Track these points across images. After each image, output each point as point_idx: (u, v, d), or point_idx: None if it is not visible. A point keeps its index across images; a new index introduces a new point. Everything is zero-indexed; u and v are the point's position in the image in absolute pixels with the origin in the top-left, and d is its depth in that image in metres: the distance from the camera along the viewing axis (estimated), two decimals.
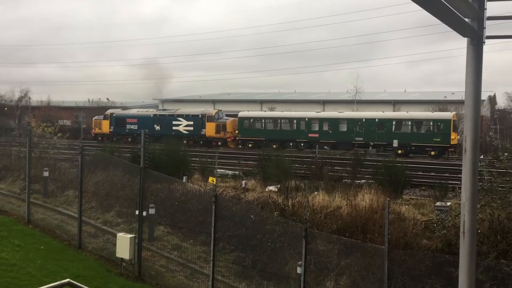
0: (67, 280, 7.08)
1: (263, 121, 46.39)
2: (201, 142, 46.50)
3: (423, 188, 22.08)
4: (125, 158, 21.52)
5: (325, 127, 43.30)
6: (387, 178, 20.26)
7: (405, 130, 40.62)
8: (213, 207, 11.60)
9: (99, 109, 59.87)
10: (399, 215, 14.63)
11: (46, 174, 19.34)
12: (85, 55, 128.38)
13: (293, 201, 15.46)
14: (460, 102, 42.28)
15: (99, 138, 51.49)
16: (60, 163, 21.62)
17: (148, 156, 14.01)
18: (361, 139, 41.32)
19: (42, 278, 11.77)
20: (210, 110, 50.16)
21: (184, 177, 20.13)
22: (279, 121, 45.90)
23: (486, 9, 4.71)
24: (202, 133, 47.24)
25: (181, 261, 13.34)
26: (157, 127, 48.76)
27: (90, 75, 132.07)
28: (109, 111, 53.91)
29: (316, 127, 43.67)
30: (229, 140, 46.43)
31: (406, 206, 16.94)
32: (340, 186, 19.17)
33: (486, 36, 4.79)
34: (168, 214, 14.96)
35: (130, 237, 12.95)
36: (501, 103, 69.70)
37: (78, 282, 7.51)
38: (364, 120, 41.99)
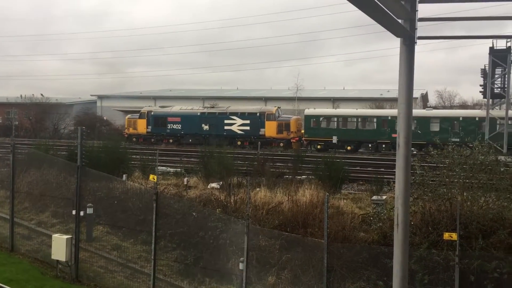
0: None
1: (334, 119, 41.10)
2: (259, 143, 38.95)
3: (361, 182, 22.81)
4: (61, 156, 20.71)
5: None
6: (327, 174, 20.75)
7: None
8: (154, 205, 11.43)
9: (32, 105, 57.03)
10: (338, 209, 15.00)
11: None
12: (19, 48, 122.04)
13: (235, 197, 15.49)
14: (395, 100, 43.45)
15: (134, 139, 45.13)
16: None
17: (85, 154, 13.58)
18: (457, 140, 34.72)
19: None
20: (270, 107, 44.30)
21: (124, 175, 19.67)
22: (354, 119, 40.57)
23: (417, 10, 4.94)
24: (261, 133, 41.76)
25: (121, 261, 13.05)
26: (206, 127, 43.75)
27: (24, 69, 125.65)
28: (145, 109, 47.70)
29: None
30: (293, 141, 40.75)
31: (345, 201, 17.42)
32: (282, 182, 19.42)
33: (418, 36, 5.02)
34: (107, 213, 14.57)
35: (67, 238, 12.52)
36: (432, 100, 73.65)
37: (10, 286, 7.17)
38: (461, 119, 37.29)
